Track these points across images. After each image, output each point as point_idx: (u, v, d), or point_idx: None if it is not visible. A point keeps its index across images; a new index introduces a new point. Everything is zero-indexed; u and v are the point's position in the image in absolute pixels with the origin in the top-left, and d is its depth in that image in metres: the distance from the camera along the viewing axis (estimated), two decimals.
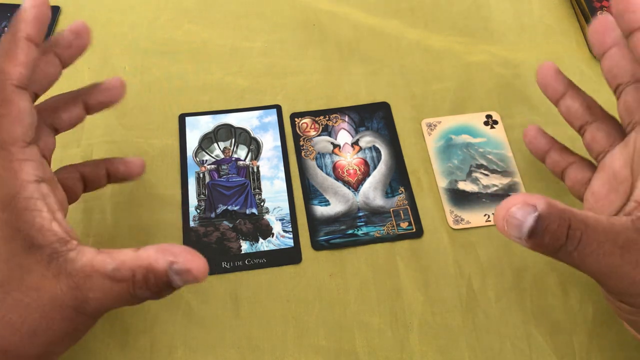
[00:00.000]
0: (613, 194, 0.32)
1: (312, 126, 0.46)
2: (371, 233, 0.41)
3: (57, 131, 0.33)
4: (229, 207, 0.43)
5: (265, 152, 0.45)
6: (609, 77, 0.33)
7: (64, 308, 0.26)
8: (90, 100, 0.34)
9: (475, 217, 0.42)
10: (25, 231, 0.26)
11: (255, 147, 0.45)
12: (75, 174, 0.35)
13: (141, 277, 0.27)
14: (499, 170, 0.44)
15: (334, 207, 0.43)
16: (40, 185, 0.27)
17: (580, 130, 0.36)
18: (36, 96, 0.30)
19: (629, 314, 0.29)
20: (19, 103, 0.26)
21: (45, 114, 0.32)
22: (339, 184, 0.44)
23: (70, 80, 0.48)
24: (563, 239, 0.26)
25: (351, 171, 0.44)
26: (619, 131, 0.34)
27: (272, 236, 0.41)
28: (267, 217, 0.42)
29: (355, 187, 0.43)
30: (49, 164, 0.32)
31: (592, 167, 0.36)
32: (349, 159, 0.45)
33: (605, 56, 0.33)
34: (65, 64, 0.32)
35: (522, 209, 0.26)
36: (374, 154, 0.45)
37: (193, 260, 0.27)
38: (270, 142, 0.45)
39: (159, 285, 0.27)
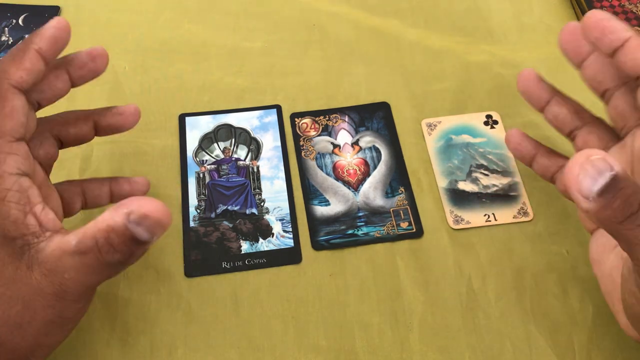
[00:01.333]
0: None
1: (312, 126, 0.46)
2: (371, 233, 0.41)
3: (62, 144, 0.34)
4: (229, 207, 0.43)
5: (265, 152, 0.45)
6: (593, 84, 0.33)
7: (44, 296, 0.26)
8: (102, 122, 0.35)
9: (475, 217, 0.42)
10: None
11: (255, 147, 0.45)
12: (77, 188, 0.36)
13: (104, 241, 0.26)
14: (499, 170, 0.44)
15: (334, 207, 0.43)
16: (21, 178, 0.27)
17: (570, 136, 0.36)
18: (39, 105, 0.31)
19: None
20: (12, 101, 0.27)
21: (54, 125, 0.33)
22: (339, 184, 0.44)
23: None
24: (635, 207, 0.24)
25: (351, 171, 0.44)
26: (611, 133, 0.34)
27: (272, 236, 0.41)
28: (267, 217, 0.42)
29: (355, 187, 0.43)
30: (48, 172, 0.34)
31: None
32: (349, 159, 0.45)
33: (585, 65, 0.33)
34: (75, 83, 0.32)
35: (603, 161, 0.24)
36: (374, 154, 0.45)
37: (147, 204, 0.26)
38: (270, 142, 0.45)
39: (125, 243, 0.26)
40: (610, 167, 0.24)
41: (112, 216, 0.26)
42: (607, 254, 0.33)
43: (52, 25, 0.29)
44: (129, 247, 0.26)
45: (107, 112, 0.35)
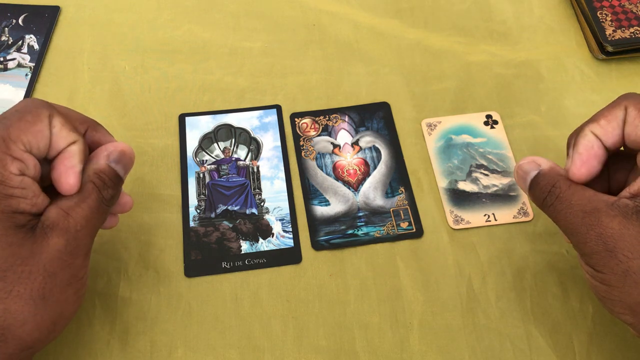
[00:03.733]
0: None
1: (312, 126, 0.46)
2: (371, 233, 0.41)
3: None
4: (229, 207, 0.43)
5: (265, 152, 0.45)
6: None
7: (62, 257, 0.30)
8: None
9: (475, 217, 0.42)
10: (9, 214, 0.29)
11: (255, 147, 0.45)
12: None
13: (99, 181, 0.32)
14: (499, 170, 0.44)
15: (334, 207, 0.43)
16: (25, 177, 0.29)
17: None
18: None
19: (592, 277, 0.31)
20: (44, 125, 0.30)
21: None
22: (339, 184, 0.44)
23: (70, 80, 0.48)
24: (546, 193, 0.32)
25: (351, 171, 0.44)
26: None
27: (272, 236, 0.41)
28: (267, 217, 0.42)
29: (355, 187, 0.43)
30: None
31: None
32: (349, 159, 0.45)
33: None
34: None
35: (529, 165, 0.34)
36: (374, 154, 0.45)
37: (119, 146, 0.34)
38: (270, 142, 0.45)
39: (112, 179, 0.33)
40: (537, 167, 0.33)
41: (97, 161, 0.33)
42: None
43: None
44: (115, 182, 0.33)
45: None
